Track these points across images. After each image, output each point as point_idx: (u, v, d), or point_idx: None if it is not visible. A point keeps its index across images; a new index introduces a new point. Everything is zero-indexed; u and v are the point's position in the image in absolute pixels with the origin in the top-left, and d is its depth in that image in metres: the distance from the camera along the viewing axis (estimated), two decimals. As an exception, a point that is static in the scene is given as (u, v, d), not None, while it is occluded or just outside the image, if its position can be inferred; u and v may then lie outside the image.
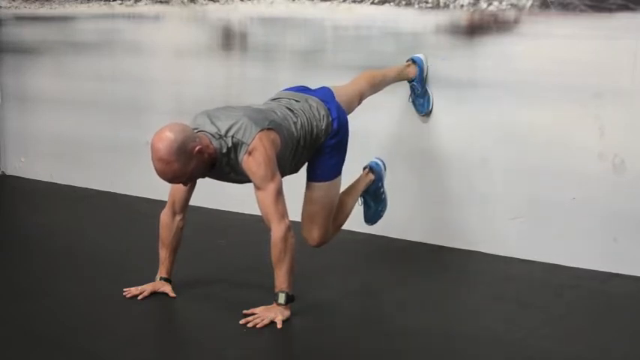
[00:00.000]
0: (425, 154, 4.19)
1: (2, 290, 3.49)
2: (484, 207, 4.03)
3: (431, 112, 4.07)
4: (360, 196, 3.80)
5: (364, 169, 3.82)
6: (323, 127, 3.36)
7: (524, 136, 3.88)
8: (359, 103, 3.72)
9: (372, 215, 3.89)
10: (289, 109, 3.31)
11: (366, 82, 3.79)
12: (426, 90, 4.06)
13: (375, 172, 3.81)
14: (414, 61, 4.03)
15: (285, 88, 3.60)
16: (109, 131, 5.42)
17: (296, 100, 3.38)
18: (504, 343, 2.94)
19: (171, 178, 3.04)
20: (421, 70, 4.03)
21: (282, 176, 3.15)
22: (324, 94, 3.49)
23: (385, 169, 3.86)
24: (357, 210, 4.40)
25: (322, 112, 3.37)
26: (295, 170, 3.39)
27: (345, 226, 4.40)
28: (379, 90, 3.89)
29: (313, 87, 3.58)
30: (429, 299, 3.47)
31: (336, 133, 3.40)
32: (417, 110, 4.13)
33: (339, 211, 3.60)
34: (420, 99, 4.10)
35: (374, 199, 3.85)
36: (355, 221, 4.39)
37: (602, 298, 3.45)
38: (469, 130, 4.03)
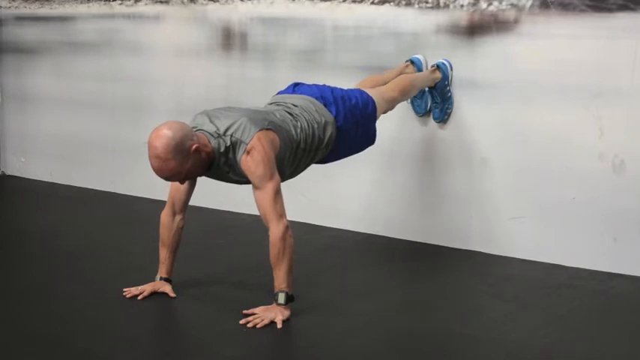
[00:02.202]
0: (425, 154, 4.19)
1: (2, 290, 3.49)
2: (484, 207, 4.04)
3: (444, 120, 4.07)
4: (428, 92, 4.03)
5: (432, 66, 4.00)
6: (327, 130, 3.36)
7: (525, 136, 3.88)
8: None
9: (440, 113, 4.05)
10: (289, 113, 3.31)
11: (369, 85, 3.80)
12: (429, 95, 4.06)
13: (441, 70, 3.97)
14: (412, 62, 4.04)
15: (280, 91, 3.59)
16: (109, 131, 5.43)
17: (294, 105, 3.38)
18: (504, 343, 2.94)
19: (168, 176, 3.04)
20: (419, 70, 4.03)
21: (282, 180, 3.15)
22: (322, 91, 3.49)
23: (452, 69, 3.99)
24: (357, 210, 4.41)
25: (323, 119, 3.37)
26: (294, 174, 3.38)
27: (345, 226, 4.42)
28: None
29: (313, 87, 3.59)
30: (429, 299, 3.47)
31: (343, 128, 3.42)
32: (415, 111, 4.14)
33: (403, 89, 3.84)
34: (418, 100, 4.10)
35: (441, 96, 4.00)
36: (355, 221, 4.40)
37: (602, 298, 3.45)
38: (469, 130, 4.04)
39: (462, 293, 3.56)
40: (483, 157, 4.01)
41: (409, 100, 4.12)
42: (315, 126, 3.34)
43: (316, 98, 3.44)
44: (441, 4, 4.07)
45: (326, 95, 3.47)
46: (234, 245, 4.22)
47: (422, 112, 4.11)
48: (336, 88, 3.58)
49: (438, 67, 3.99)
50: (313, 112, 3.36)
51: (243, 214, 4.59)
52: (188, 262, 3.58)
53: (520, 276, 3.73)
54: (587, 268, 3.75)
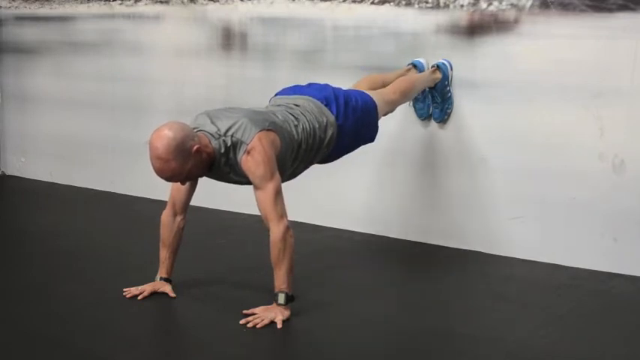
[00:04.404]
0: (425, 154, 4.19)
1: (2, 290, 3.49)
2: (484, 207, 4.04)
3: (445, 120, 4.07)
4: (429, 92, 4.03)
5: (432, 67, 4.00)
6: (328, 130, 3.37)
7: (524, 136, 3.88)
8: None
9: (440, 113, 4.06)
10: (290, 114, 3.31)
11: (366, 85, 3.80)
12: (429, 95, 4.06)
13: (441, 70, 3.97)
14: (414, 65, 4.03)
15: (279, 91, 3.59)
16: (109, 131, 5.43)
17: (296, 105, 3.39)
18: (504, 343, 2.94)
19: (169, 177, 3.04)
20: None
21: (282, 180, 3.15)
22: (323, 91, 3.49)
23: (452, 69, 3.99)
24: (357, 210, 4.41)
25: (324, 119, 3.37)
26: (294, 175, 3.38)
27: (345, 226, 4.42)
28: None
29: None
30: (430, 299, 3.47)
31: (343, 127, 3.43)
32: (417, 114, 4.13)
33: (404, 91, 3.85)
34: (420, 103, 4.10)
35: (441, 96, 4.00)
36: (355, 221, 4.41)
37: (602, 298, 3.45)
38: (469, 130, 4.04)
39: (461, 293, 3.56)
40: (483, 157, 4.01)
41: (411, 104, 4.12)
42: (317, 126, 3.34)
43: (318, 99, 3.44)
44: (441, 4, 4.07)
45: (327, 95, 3.47)
46: (234, 245, 4.22)
47: (424, 116, 4.11)
48: (337, 88, 3.58)
49: (438, 67, 3.99)
50: (314, 113, 3.36)
51: (243, 214, 4.59)
52: (188, 262, 3.58)
53: (520, 276, 3.73)
54: (587, 268, 3.75)
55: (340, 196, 4.47)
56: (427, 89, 4.02)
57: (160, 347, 2.99)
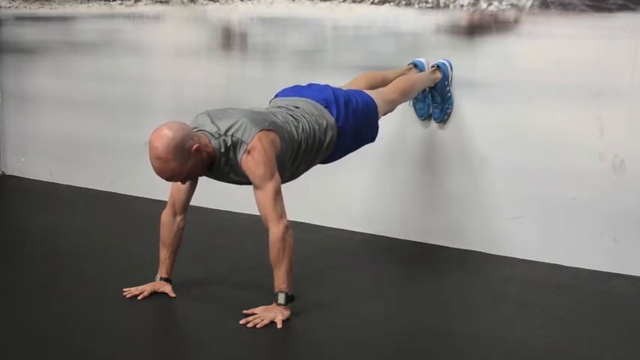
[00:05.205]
0: (425, 154, 4.19)
1: (2, 290, 3.49)
2: (484, 207, 4.04)
3: (445, 120, 4.07)
4: (429, 92, 4.03)
5: (432, 66, 3.99)
6: (328, 132, 3.37)
7: (524, 136, 3.88)
8: None
9: (440, 113, 4.05)
10: (290, 115, 3.31)
11: (365, 83, 3.80)
12: (429, 95, 4.06)
13: (441, 70, 3.97)
14: (415, 65, 4.04)
15: (279, 92, 3.59)
16: (109, 131, 5.43)
17: (295, 107, 3.39)
18: (504, 343, 2.94)
19: (168, 177, 3.05)
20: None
21: (282, 180, 3.15)
22: (323, 93, 3.49)
23: (452, 69, 3.98)
24: (357, 210, 4.41)
25: (324, 121, 3.37)
26: (295, 175, 3.38)
27: (345, 226, 4.42)
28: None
29: (313, 87, 3.59)
30: (430, 299, 3.47)
31: (344, 129, 3.43)
32: (417, 114, 4.13)
33: (403, 90, 3.84)
34: (420, 103, 4.10)
35: (441, 96, 3.99)
36: (355, 221, 4.41)
37: (602, 298, 3.45)
38: (469, 130, 4.04)
39: (461, 293, 3.56)
40: (483, 157, 4.01)
41: (411, 103, 4.12)
42: (317, 127, 3.34)
43: (318, 101, 3.43)
44: (441, 4, 4.07)
45: (327, 97, 3.47)
46: (234, 245, 4.22)
47: (424, 116, 4.11)
48: (336, 88, 3.58)
49: (438, 67, 3.99)
50: (314, 115, 3.36)
51: (243, 214, 4.59)
52: (188, 262, 3.58)
53: (520, 276, 3.73)
54: (587, 268, 3.75)
55: (340, 196, 4.47)
56: (427, 89, 4.02)
57: (160, 347, 3.00)
